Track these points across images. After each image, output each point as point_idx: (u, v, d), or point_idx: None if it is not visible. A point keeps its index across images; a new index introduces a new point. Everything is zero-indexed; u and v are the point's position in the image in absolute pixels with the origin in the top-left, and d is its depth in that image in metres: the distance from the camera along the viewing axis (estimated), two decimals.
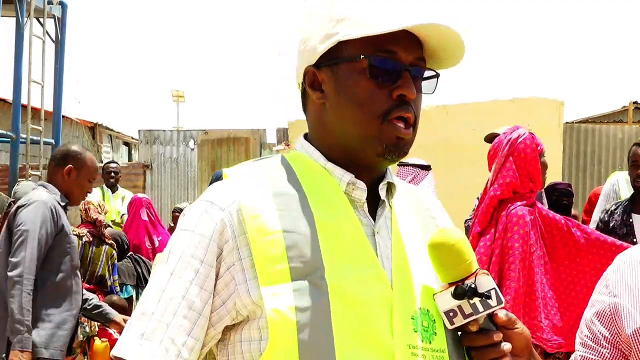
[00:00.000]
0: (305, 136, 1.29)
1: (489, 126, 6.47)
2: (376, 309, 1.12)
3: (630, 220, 3.95)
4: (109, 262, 5.51)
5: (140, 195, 7.21)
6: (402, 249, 1.19)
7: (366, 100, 1.17)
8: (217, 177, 4.75)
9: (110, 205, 7.30)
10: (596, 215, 4.45)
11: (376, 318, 1.12)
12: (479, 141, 6.81)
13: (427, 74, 1.23)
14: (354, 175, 1.20)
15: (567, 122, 9.73)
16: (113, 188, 7.70)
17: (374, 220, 1.21)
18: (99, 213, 5.60)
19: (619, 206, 4.07)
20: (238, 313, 1.13)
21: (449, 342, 1.17)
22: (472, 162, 6.66)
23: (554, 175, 5.73)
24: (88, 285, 5.53)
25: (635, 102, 12.96)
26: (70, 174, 3.55)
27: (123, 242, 6.14)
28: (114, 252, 5.57)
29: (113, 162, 8.65)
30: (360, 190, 1.20)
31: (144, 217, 6.54)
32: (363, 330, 1.10)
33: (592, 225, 4.18)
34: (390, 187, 1.26)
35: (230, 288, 1.13)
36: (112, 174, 7.78)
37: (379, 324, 1.11)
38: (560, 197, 4.89)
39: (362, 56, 1.16)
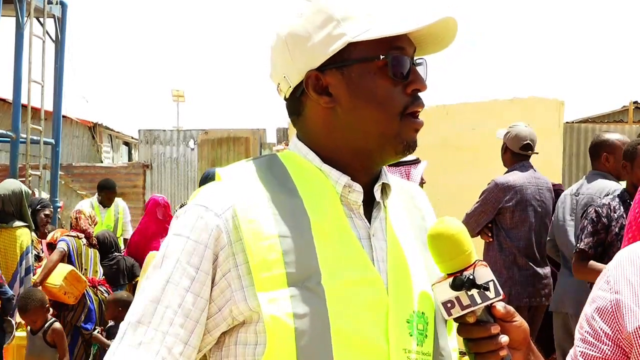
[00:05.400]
0: (298, 136, 1.25)
1: (489, 126, 6.47)
2: (373, 314, 1.11)
3: None
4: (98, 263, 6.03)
5: (157, 196, 7.02)
6: (397, 251, 1.18)
7: (385, 99, 1.16)
8: (208, 176, 4.71)
9: (101, 218, 7.27)
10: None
11: (373, 323, 1.11)
12: (478, 141, 6.84)
13: (417, 61, 1.22)
14: (350, 178, 1.18)
15: (567, 122, 9.73)
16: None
17: (370, 222, 1.19)
18: (89, 225, 5.92)
19: (617, 201, 4.02)
20: (234, 319, 1.11)
21: (435, 345, 1.17)
22: (472, 162, 6.67)
23: (554, 175, 5.72)
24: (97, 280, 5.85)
25: (635, 102, 12.94)
26: None
27: (112, 241, 6.25)
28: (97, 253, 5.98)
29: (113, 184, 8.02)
30: (357, 193, 1.18)
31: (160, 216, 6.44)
32: (360, 336, 1.09)
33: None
34: (384, 188, 1.24)
35: (227, 295, 1.11)
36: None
37: (376, 329, 1.11)
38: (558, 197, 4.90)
39: (382, 56, 1.15)
